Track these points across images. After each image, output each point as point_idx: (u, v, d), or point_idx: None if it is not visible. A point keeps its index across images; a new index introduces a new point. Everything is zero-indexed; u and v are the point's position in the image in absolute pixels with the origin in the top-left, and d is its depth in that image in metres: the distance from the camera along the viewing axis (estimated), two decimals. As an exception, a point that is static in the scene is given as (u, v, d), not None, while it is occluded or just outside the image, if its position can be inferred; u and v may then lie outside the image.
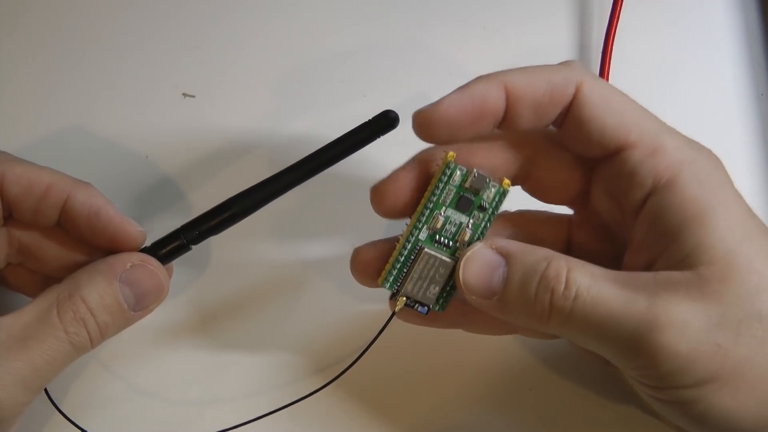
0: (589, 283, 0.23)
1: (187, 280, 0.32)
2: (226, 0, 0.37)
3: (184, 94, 0.35)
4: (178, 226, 0.28)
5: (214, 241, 0.29)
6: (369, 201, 0.27)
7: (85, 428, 0.28)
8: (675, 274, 0.23)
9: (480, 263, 0.25)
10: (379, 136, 0.28)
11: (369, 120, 0.28)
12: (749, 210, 0.24)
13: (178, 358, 0.31)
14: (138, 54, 0.36)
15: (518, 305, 0.24)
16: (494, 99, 0.25)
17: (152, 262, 0.27)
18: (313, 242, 0.33)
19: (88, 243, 0.28)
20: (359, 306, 0.32)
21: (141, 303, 0.27)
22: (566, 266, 0.23)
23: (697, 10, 0.38)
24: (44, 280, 0.28)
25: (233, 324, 0.32)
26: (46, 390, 0.28)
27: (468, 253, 0.25)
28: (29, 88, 0.35)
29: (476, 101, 0.25)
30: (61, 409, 0.28)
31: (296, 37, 0.37)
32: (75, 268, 0.27)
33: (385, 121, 0.28)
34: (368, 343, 0.28)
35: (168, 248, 0.28)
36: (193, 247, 0.29)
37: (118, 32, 0.36)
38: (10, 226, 0.28)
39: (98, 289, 0.26)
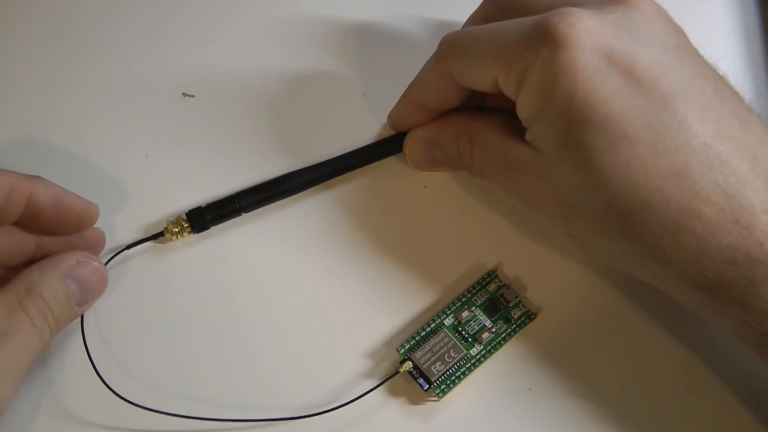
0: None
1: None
2: (226, 0, 0.37)
3: (184, 94, 0.35)
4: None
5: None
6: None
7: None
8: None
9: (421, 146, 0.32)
10: None
11: None
12: None
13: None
14: (138, 53, 0.36)
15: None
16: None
17: (95, 259, 0.29)
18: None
19: (52, 232, 0.29)
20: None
21: (85, 297, 0.28)
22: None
23: (697, 10, 0.38)
24: None
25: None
26: (93, 364, 0.29)
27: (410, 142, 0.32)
28: (27, 88, 0.35)
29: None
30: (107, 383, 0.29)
31: (296, 37, 0.37)
32: (23, 261, 0.28)
33: None
34: (368, 390, 0.29)
35: (222, 211, 0.31)
36: (244, 214, 0.31)
37: (118, 32, 0.36)
38: None
39: (51, 285, 0.27)
